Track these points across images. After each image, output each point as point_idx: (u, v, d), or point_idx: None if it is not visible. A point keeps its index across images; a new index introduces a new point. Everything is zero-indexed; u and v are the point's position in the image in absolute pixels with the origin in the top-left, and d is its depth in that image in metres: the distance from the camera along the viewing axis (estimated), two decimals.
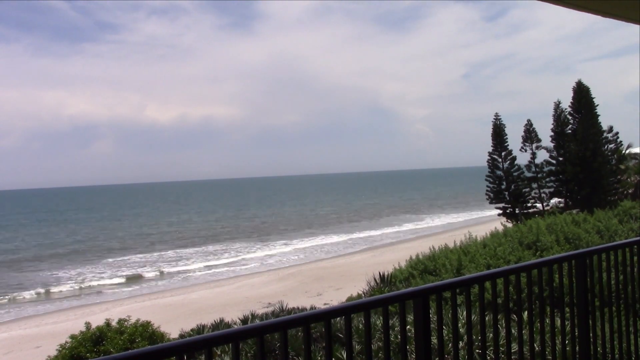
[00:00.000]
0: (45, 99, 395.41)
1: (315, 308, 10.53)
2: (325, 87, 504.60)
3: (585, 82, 36.90)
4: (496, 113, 36.36)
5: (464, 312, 3.40)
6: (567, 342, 3.95)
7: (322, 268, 34.61)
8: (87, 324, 11.17)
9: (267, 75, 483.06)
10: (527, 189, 36.10)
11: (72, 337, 10.79)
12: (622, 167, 35.22)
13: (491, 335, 3.33)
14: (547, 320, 3.78)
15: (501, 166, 36.10)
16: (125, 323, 11.08)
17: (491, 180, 36.46)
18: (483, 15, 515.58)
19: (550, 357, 3.56)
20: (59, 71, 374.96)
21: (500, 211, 36.38)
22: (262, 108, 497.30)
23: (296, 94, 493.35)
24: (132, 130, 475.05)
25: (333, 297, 24.50)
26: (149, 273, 38.23)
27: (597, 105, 34.40)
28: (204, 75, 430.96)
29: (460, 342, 5.46)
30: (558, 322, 3.63)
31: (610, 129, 35.09)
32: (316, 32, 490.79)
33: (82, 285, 34.67)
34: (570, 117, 35.09)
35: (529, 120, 36.87)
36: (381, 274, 15.98)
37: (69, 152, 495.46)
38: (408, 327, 2.78)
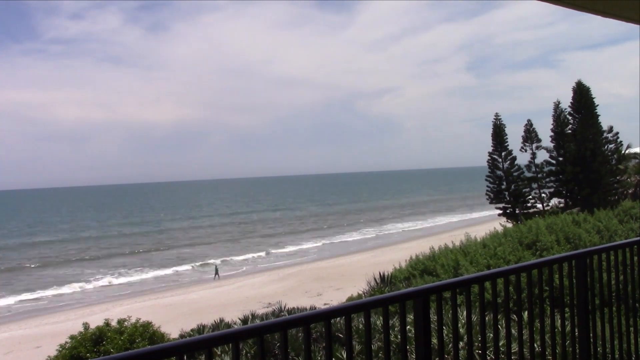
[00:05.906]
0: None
1: (315, 308, 10.52)
2: (282, 81, 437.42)
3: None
4: (496, 113, 36.48)
5: (464, 312, 3.40)
6: (567, 342, 3.95)
7: (322, 268, 34.61)
8: (86, 324, 11.17)
9: (211, 71, 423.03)
10: (527, 189, 36.11)
11: (72, 337, 10.81)
12: (622, 167, 35.21)
13: (491, 335, 3.32)
14: (547, 320, 3.78)
15: (501, 166, 36.11)
16: (125, 323, 11.08)
17: (491, 180, 36.45)
18: None
19: (550, 357, 3.56)
20: None
21: (501, 211, 36.38)
22: (220, 108, 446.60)
23: (257, 90, 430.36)
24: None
25: (333, 297, 24.51)
26: None
27: (597, 105, 34.46)
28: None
29: (461, 342, 5.46)
30: (558, 322, 3.62)
31: (610, 129, 35.09)
32: (244, 14, 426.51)
33: None
34: (570, 117, 35.10)
35: (529, 120, 36.95)
36: (381, 274, 15.99)
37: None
38: (408, 327, 2.77)
